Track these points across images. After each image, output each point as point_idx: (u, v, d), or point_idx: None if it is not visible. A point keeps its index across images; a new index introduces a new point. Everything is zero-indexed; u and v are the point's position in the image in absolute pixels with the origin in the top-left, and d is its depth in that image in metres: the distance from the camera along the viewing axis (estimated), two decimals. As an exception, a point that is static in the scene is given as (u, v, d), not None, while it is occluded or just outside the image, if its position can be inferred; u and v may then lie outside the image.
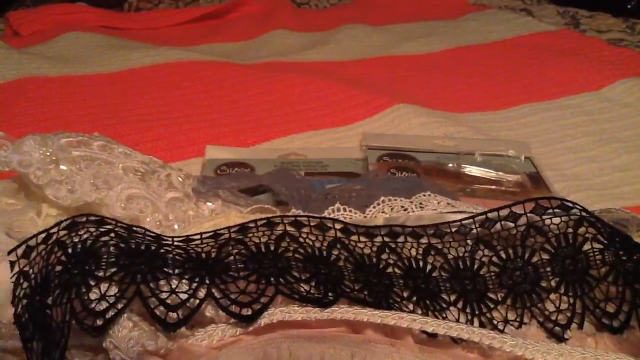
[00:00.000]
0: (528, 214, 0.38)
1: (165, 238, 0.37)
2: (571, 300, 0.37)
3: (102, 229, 0.34)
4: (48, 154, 0.40)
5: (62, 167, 0.40)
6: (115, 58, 0.87)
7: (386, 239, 0.38)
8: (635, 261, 0.35)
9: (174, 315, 0.32)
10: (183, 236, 0.38)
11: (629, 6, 1.22)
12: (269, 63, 0.92)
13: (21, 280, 0.31)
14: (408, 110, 0.75)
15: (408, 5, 1.23)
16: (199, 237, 0.38)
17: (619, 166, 0.66)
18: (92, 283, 0.32)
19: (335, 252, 0.37)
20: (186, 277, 0.34)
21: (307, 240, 0.37)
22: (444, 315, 0.36)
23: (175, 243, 0.37)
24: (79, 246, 0.33)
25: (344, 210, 0.41)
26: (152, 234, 0.37)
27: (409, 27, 1.11)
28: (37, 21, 1.03)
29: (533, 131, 0.74)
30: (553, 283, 0.37)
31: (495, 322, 0.36)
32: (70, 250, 0.33)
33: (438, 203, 0.42)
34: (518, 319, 0.37)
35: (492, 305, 0.37)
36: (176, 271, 0.34)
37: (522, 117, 0.77)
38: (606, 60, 0.93)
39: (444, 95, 0.84)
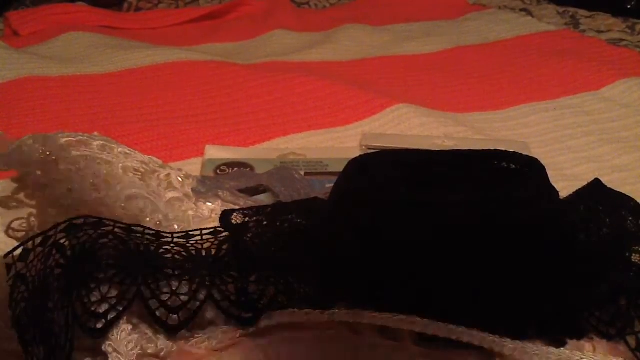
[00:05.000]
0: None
1: (165, 235, 0.37)
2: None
3: (100, 231, 0.34)
4: (48, 153, 0.40)
5: (62, 167, 0.39)
6: (115, 58, 0.87)
7: None
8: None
9: (175, 317, 0.32)
10: (183, 232, 0.38)
11: (628, 6, 1.22)
12: (269, 63, 0.91)
13: (18, 284, 0.30)
14: (408, 110, 0.75)
15: (408, 5, 1.22)
16: (199, 233, 0.38)
17: (619, 166, 0.66)
18: (93, 285, 0.32)
19: None
20: (186, 278, 0.34)
21: None
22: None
23: (175, 240, 0.37)
24: (78, 249, 0.33)
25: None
26: (151, 232, 0.37)
27: (409, 27, 1.11)
28: (37, 21, 1.03)
29: (533, 131, 0.74)
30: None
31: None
32: (69, 253, 0.32)
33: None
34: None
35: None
36: (176, 272, 0.34)
37: (522, 117, 0.77)
38: (606, 60, 0.93)
39: (444, 95, 0.84)
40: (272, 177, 0.52)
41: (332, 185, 0.41)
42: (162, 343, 0.32)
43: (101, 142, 0.43)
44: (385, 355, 0.31)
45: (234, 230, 0.38)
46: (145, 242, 0.36)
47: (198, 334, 0.33)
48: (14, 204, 0.41)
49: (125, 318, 0.32)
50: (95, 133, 0.44)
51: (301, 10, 1.25)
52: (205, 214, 0.44)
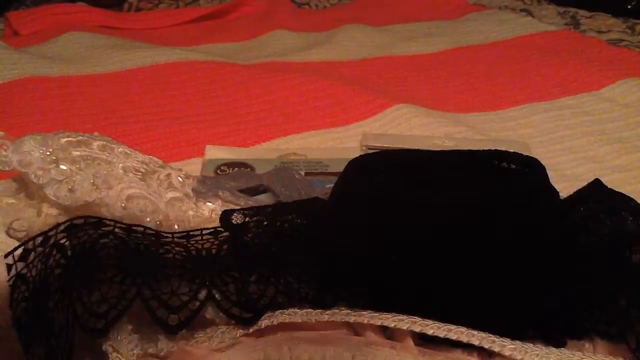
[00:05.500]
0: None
1: (165, 235, 0.37)
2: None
3: (100, 231, 0.34)
4: (48, 153, 0.40)
5: (62, 166, 0.39)
6: (115, 58, 0.87)
7: None
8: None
9: (175, 317, 0.32)
10: (183, 232, 0.38)
11: (629, 6, 1.22)
12: (269, 63, 0.91)
13: (19, 284, 0.30)
14: (408, 110, 0.75)
15: (408, 5, 1.22)
16: (199, 233, 0.38)
17: (619, 166, 0.66)
18: (93, 285, 0.32)
19: None
20: (187, 278, 0.34)
21: None
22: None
23: (175, 240, 0.37)
24: (78, 249, 0.33)
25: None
26: (151, 232, 0.37)
27: (409, 27, 1.11)
28: (37, 21, 1.03)
29: (533, 131, 0.74)
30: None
31: None
32: (69, 253, 0.33)
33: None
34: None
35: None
36: (176, 272, 0.34)
37: (522, 117, 0.77)
38: (606, 61, 0.93)
39: (444, 95, 0.84)
40: (272, 177, 0.52)
41: (332, 185, 0.41)
42: (162, 343, 0.32)
43: (102, 142, 0.43)
44: (386, 355, 0.31)
45: (234, 230, 0.38)
46: (146, 242, 0.36)
47: (198, 334, 0.33)
48: (15, 203, 0.41)
49: (125, 318, 0.32)
50: (96, 133, 0.44)
51: (301, 10, 1.25)
52: (206, 214, 0.44)
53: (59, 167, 0.39)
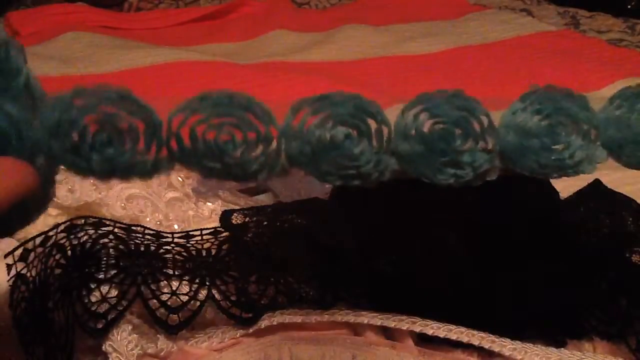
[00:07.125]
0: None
1: (165, 235, 0.37)
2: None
3: (100, 231, 0.34)
4: (48, 154, 0.39)
5: (62, 166, 0.39)
6: (115, 58, 0.87)
7: None
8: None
9: (175, 317, 0.32)
10: (183, 232, 0.38)
11: (629, 6, 1.22)
12: (269, 63, 0.91)
13: (19, 284, 0.30)
14: (408, 110, 0.74)
15: (408, 5, 1.22)
16: (199, 233, 0.38)
17: (619, 166, 0.66)
18: (93, 285, 0.32)
19: None
20: (187, 278, 0.34)
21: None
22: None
23: (175, 240, 0.37)
24: (78, 249, 0.33)
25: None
26: (151, 232, 0.37)
27: (409, 27, 1.11)
28: (37, 21, 1.03)
29: (533, 131, 0.73)
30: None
31: None
32: (69, 253, 0.33)
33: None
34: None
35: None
36: (177, 272, 0.34)
37: (522, 118, 0.77)
38: (606, 61, 0.93)
39: (444, 95, 0.83)
40: (272, 177, 0.52)
41: (332, 185, 0.41)
42: (162, 343, 0.32)
43: (101, 142, 0.43)
44: (386, 355, 0.31)
45: (235, 230, 0.38)
46: (146, 242, 0.36)
47: (198, 334, 0.33)
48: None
49: (125, 318, 0.32)
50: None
51: (301, 10, 1.25)
52: (206, 213, 0.44)
53: (58, 167, 0.39)
